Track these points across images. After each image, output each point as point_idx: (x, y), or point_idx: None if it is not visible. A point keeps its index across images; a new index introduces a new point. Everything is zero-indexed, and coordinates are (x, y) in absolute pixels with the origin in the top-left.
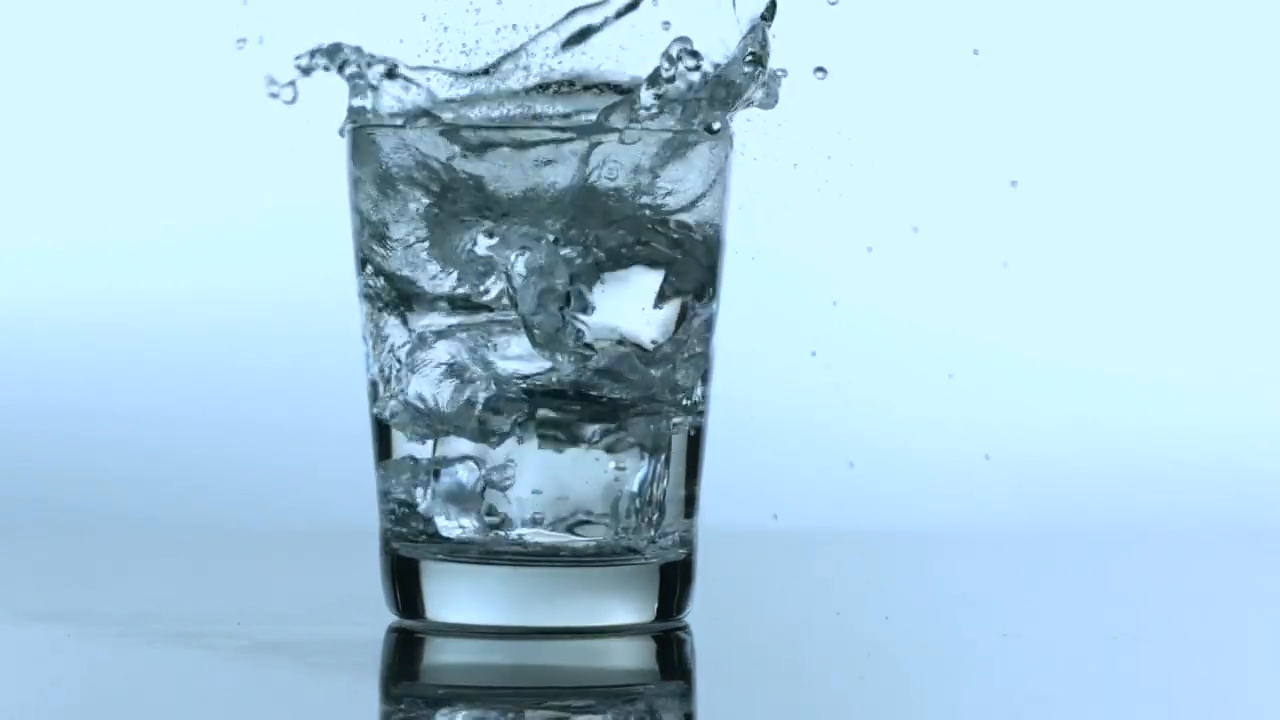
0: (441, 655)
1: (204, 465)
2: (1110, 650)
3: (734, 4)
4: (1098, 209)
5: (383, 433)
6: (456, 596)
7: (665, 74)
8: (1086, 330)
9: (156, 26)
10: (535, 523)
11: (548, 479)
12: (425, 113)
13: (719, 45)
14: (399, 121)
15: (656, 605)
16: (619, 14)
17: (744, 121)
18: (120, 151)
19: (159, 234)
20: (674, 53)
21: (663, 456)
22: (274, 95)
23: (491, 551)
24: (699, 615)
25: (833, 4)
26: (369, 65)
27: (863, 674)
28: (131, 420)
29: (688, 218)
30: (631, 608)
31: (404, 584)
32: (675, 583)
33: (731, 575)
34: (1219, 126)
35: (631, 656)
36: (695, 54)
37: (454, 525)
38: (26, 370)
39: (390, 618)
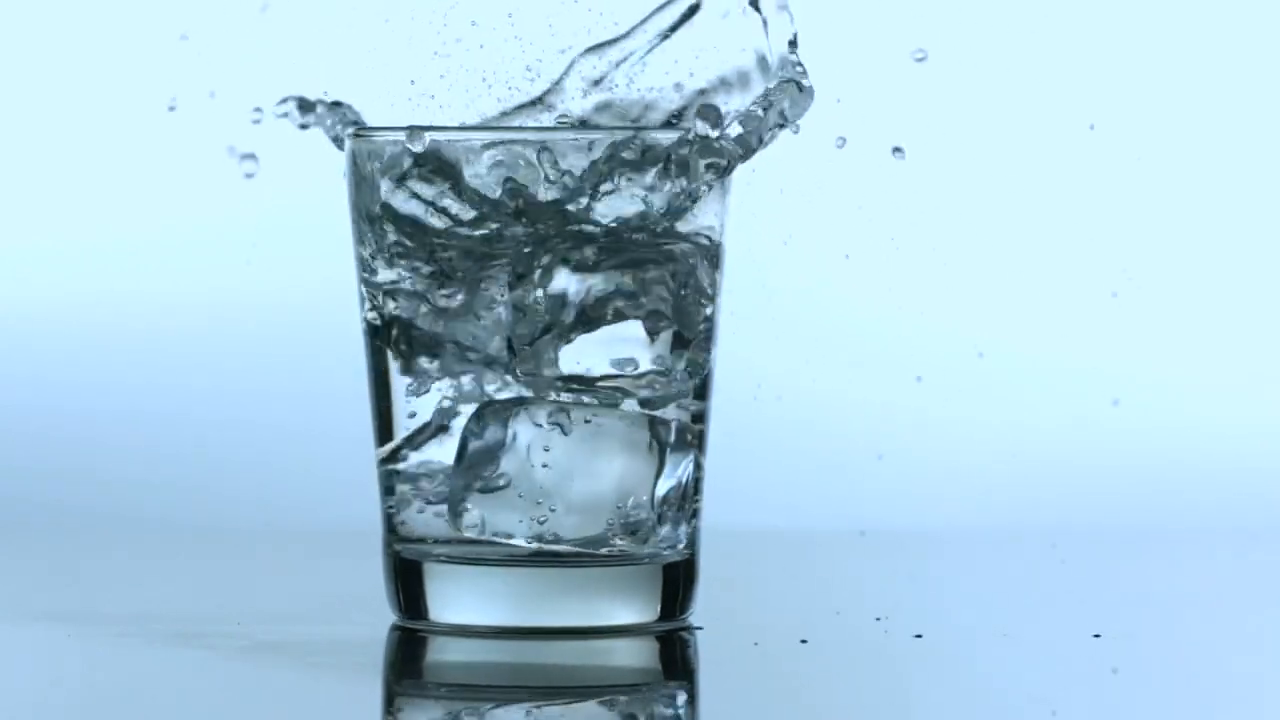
0: (444, 655)
1: (204, 465)
2: (1109, 650)
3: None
4: (1097, 209)
5: (384, 431)
6: (459, 597)
7: (695, 138)
8: (1086, 330)
9: (156, 27)
10: (550, 520)
11: (563, 474)
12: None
13: (748, 71)
14: (401, 136)
15: (659, 605)
16: (647, 50)
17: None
18: (121, 152)
19: (159, 234)
20: (700, 125)
21: (682, 455)
22: (246, 174)
23: (493, 553)
24: (702, 615)
25: (920, 60)
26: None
27: (864, 674)
28: (131, 420)
29: (688, 235)
30: (635, 608)
31: (407, 585)
32: (678, 583)
33: (734, 575)
34: (1219, 128)
35: (635, 657)
36: (720, 117)
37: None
38: (26, 370)
39: (391, 617)
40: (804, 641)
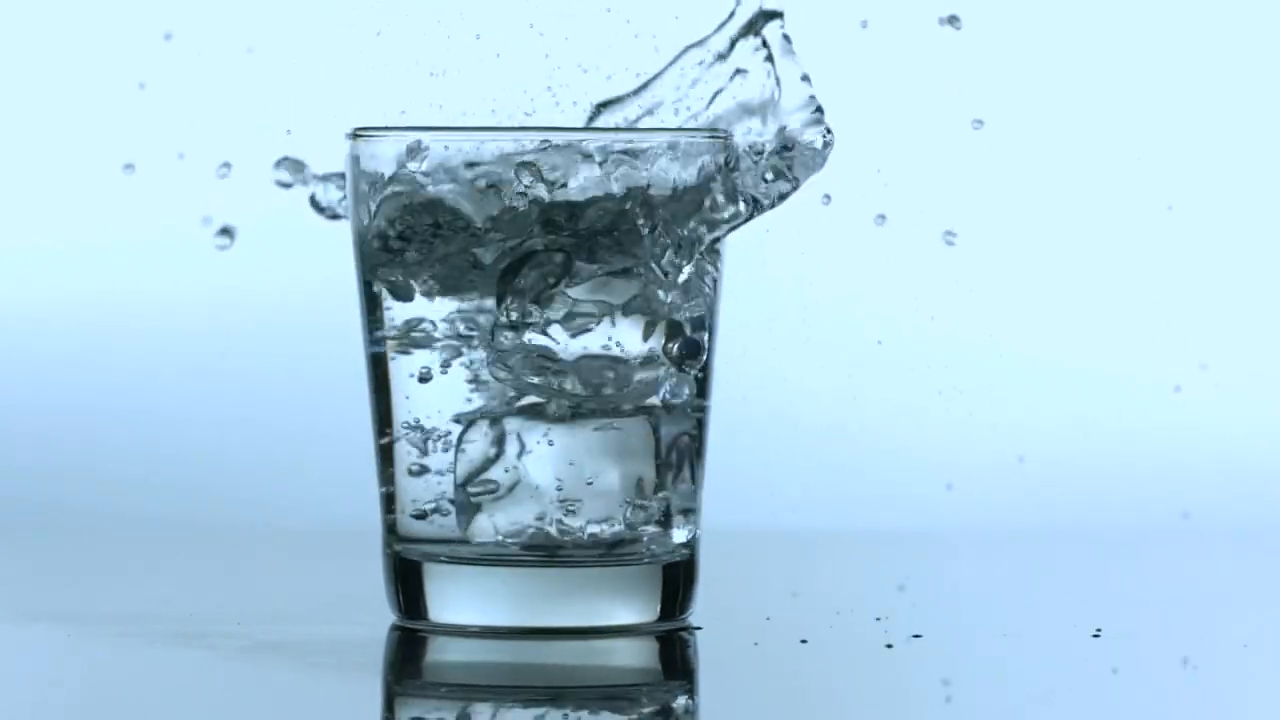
0: (444, 655)
1: (204, 465)
2: (1109, 650)
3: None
4: (1099, 209)
5: (385, 431)
6: (459, 597)
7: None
8: (1087, 330)
9: (156, 27)
10: (567, 512)
11: (568, 470)
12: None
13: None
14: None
15: (659, 605)
16: (678, 99)
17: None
18: (121, 151)
19: (159, 234)
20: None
21: (677, 451)
22: (219, 246)
23: (493, 553)
24: (702, 615)
25: (978, 128)
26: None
27: (864, 674)
28: (131, 420)
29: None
30: (634, 608)
31: (407, 585)
32: (678, 583)
33: (734, 575)
34: (1220, 127)
35: (635, 657)
36: (736, 193)
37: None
38: (26, 370)
39: (391, 617)
40: (804, 641)
